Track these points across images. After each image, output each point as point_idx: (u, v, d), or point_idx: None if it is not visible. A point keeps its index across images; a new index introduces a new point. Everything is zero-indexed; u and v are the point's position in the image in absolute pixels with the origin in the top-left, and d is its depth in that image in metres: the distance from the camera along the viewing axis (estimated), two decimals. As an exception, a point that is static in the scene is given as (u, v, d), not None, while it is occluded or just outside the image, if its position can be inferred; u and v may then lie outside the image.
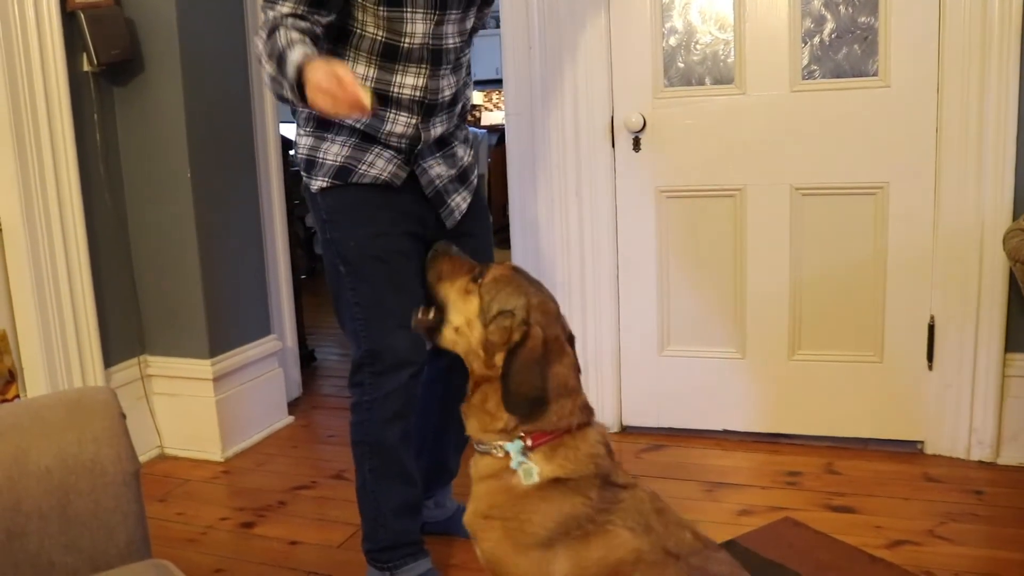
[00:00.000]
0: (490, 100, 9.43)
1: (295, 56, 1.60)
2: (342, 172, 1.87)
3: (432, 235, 1.93)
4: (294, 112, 1.93)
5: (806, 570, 2.02)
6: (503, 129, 3.24)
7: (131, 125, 2.79)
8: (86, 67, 2.65)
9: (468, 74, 2.03)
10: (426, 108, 1.87)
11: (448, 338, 1.47)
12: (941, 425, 2.60)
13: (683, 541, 1.30)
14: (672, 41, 2.68)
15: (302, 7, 1.70)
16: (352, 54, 1.82)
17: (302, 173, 1.96)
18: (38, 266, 2.51)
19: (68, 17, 2.56)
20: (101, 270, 2.73)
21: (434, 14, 1.80)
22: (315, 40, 1.70)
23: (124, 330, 2.85)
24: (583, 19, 2.70)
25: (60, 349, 2.57)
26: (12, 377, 1.98)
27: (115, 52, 2.65)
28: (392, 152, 1.88)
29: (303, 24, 1.70)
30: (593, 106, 2.74)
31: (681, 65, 2.69)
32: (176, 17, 2.66)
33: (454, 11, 1.84)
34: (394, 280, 1.90)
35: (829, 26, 2.54)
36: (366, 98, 1.47)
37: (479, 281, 1.44)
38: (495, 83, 9.52)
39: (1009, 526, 2.20)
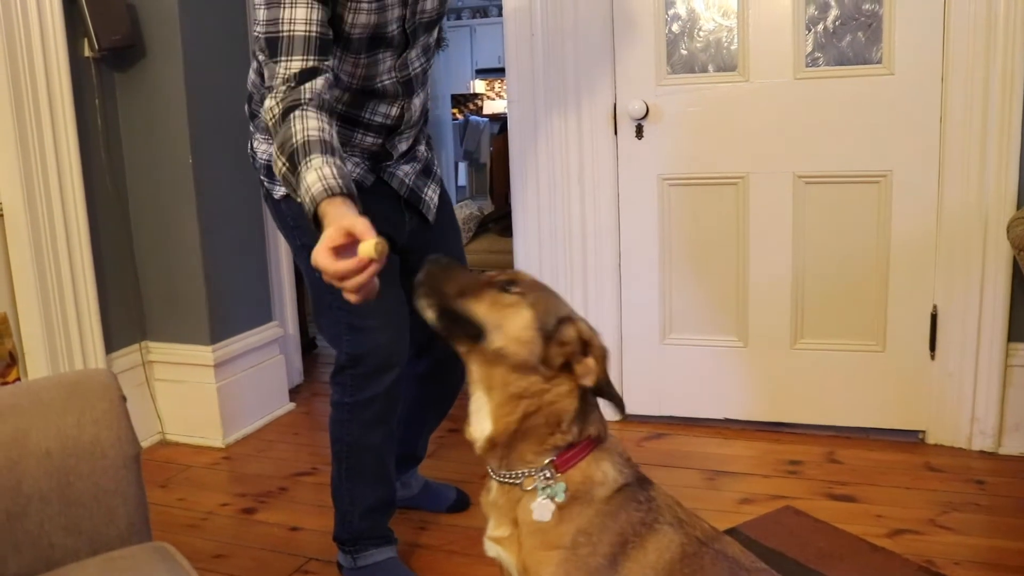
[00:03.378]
0: (492, 89, 9.40)
1: (311, 181, 1.40)
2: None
3: (401, 237, 1.94)
4: (252, 115, 1.92)
5: (807, 558, 2.02)
6: (505, 117, 3.23)
7: (132, 110, 2.78)
8: (87, 52, 2.64)
9: (436, 48, 2.01)
10: (394, 130, 1.88)
11: (487, 358, 1.26)
12: (943, 415, 2.60)
13: (704, 528, 1.29)
14: (675, 28, 2.67)
15: (313, 58, 1.56)
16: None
17: (262, 179, 1.92)
18: (39, 251, 2.51)
19: (69, 2, 2.55)
20: (102, 255, 2.73)
21: (402, 51, 1.79)
22: (330, 115, 1.56)
23: (125, 316, 2.85)
24: (586, 6, 2.68)
25: (61, 334, 2.57)
26: (13, 360, 1.98)
27: (116, 37, 2.64)
28: (358, 158, 1.87)
29: (318, 98, 1.54)
30: (595, 93, 2.73)
31: (684, 52, 2.67)
32: (177, 2, 2.66)
33: (420, 38, 1.82)
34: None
35: (833, 13, 2.52)
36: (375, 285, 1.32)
37: (515, 292, 1.29)
38: (497, 72, 9.52)
39: (1010, 516, 2.20)
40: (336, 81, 1.72)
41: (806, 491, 2.38)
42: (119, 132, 2.80)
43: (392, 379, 1.90)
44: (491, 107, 8.86)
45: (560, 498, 1.24)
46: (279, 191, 1.87)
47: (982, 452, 2.55)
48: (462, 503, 2.35)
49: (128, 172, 2.83)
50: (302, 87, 1.54)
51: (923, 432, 2.65)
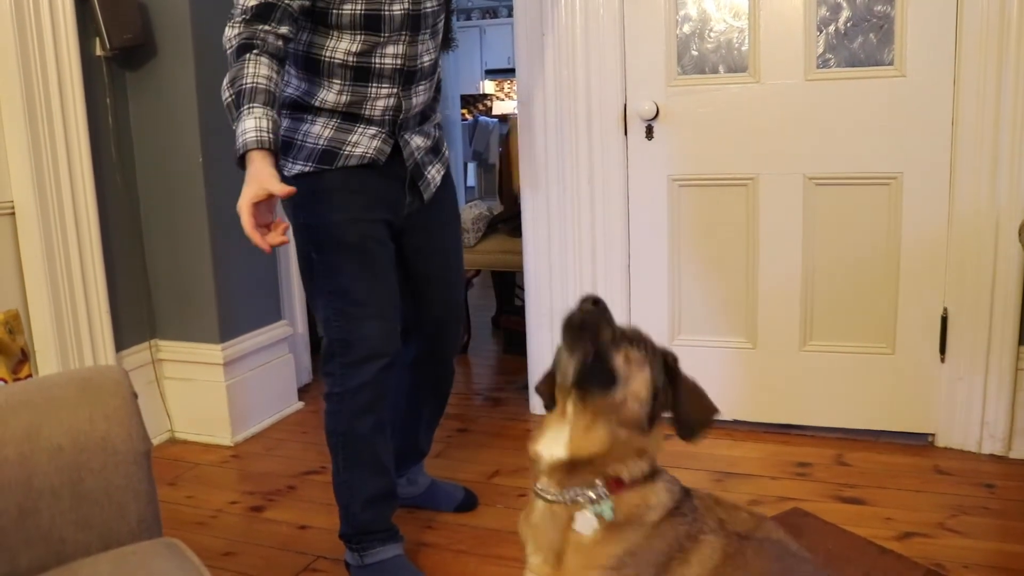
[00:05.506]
0: (502, 89, 9.41)
1: (248, 127, 1.59)
2: (327, 156, 1.85)
3: (398, 219, 1.94)
4: None
5: (815, 560, 2.01)
6: (515, 118, 3.23)
7: (143, 109, 2.79)
8: (99, 51, 2.65)
9: (445, 47, 2.02)
10: (407, 76, 1.87)
11: (598, 406, 1.24)
12: (952, 418, 2.59)
13: (744, 520, 1.29)
14: (686, 29, 2.67)
15: None
16: (335, 33, 1.79)
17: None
18: (50, 250, 2.52)
19: (81, 2, 2.56)
20: (113, 254, 2.74)
21: None
22: (280, 63, 1.69)
23: (135, 314, 2.86)
24: (597, 6, 2.68)
25: (72, 333, 2.58)
26: (25, 357, 1.99)
27: (127, 36, 2.65)
28: (376, 128, 1.87)
29: (273, 44, 1.67)
30: (606, 94, 2.73)
31: (695, 53, 2.67)
32: (188, 2, 2.67)
33: None
34: (369, 269, 1.89)
35: (845, 14, 2.51)
36: (264, 244, 1.55)
37: (641, 349, 1.29)
38: (507, 72, 9.52)
39: (1020, 520, 2.19)
40: (339, 18, 1.76)
41: (815, 493, 2.37)
42: (130, 131, 2.81)
43: (380, 367, 1.90)
44: (500, 108, 8.87)
45: (608, 516, 1.23)
46: (295, 168, 1.87)
47: (992, 456, 2.54)
48: (470, 503, 2.35)
49: (139, 171, 2.84)
50: (258, 27, 1.66)
51: (932, 435, 2.64)
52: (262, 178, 1.55)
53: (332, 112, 1.85)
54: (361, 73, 1.82)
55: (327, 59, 1.81)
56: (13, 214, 2.50)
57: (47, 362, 2.54)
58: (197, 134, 2.73)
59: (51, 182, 2.51)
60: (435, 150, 2.03)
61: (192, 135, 2.73)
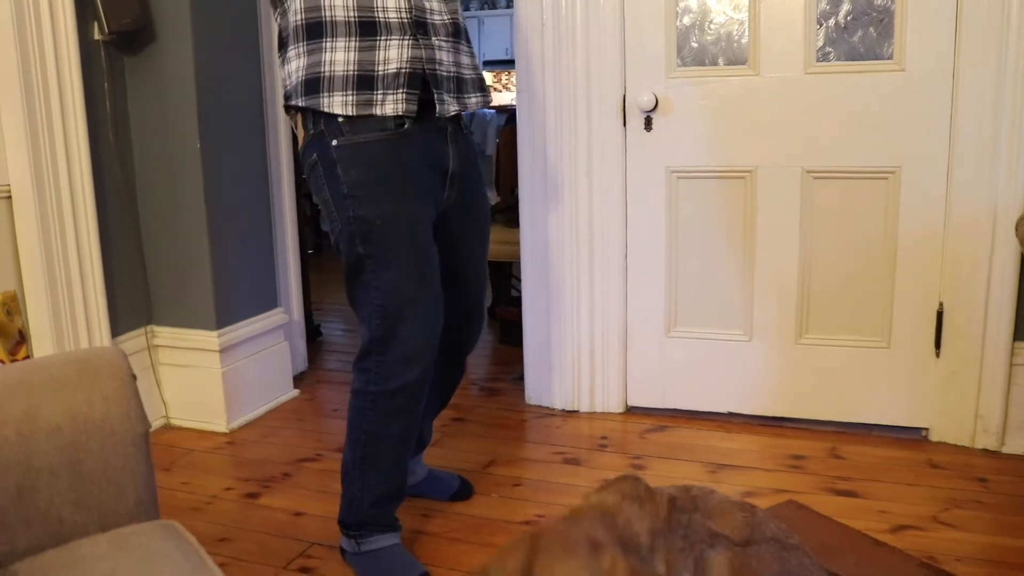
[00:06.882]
0: (499, 80, 9.39)
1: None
2: (364, 82, 1.75)
3: (437, 210, 1.90)
4: (282, 43, 1.85)
5: (808, 551, 2.02)
6: (513, 110, 3.23)
7: (141, 95, 2.78)
8: (97, 36, 2.64)
9: None
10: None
11: None
12: (947, 412, 2.60)
13: (737, 526, 1.26)
14: (686, 20, 2.66)
15: None
16: None
17: (299, 102, 1.79)
18: (47, 235, 2.51)
19: (80, -16, 2.55)
20: (109, 240, 2.73)
21: None
22: None
23: (131, 300, 2.85)
24: (598, -4, 2.68)
25: (68, 319, 2.57)
26: (22, 338, 1.98)
27: (126, 21, 2.64)
28: (398, 35, 1.75)
29: None
30: (605, 84, 2.72)
31: (695, 45, 2.67)
32: (188, -14, 2.66)
33: None
34: (422, 270, 1.83)
35: (845, 8, 2.52)
36: None
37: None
38: (505, 64, 9.51)
39: (1012, 514, 2.20)
40: None
41: (809, 486, 2.38)
42: (128, 116, 2.80)
43: (420, 372, 1.85)
44: (498, 99, 8.84)
45: None
46: (334, 103, 1.76)
47: (985, 450, 2.55)
48: (465, 492, 2.36)
49: (136, 156, 2.83)
50: None
51: (927, 429, 2.65)
52: None
53: (347, 29, 1.74)
54: None
55: None
56: (10, 198, 2.49)
57: (43, 349, 2.53)
58: (195, 119, 2.72)
59: (48, 167, 2.50)
60: (460, 86, 1.90)
61: (190, 120, 2.72)
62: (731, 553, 1.23)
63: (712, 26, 2.65)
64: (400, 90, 1.77)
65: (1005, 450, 2.54)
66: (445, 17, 1.84)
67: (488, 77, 9.61)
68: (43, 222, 2.50)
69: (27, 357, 2.40)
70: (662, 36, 2.67)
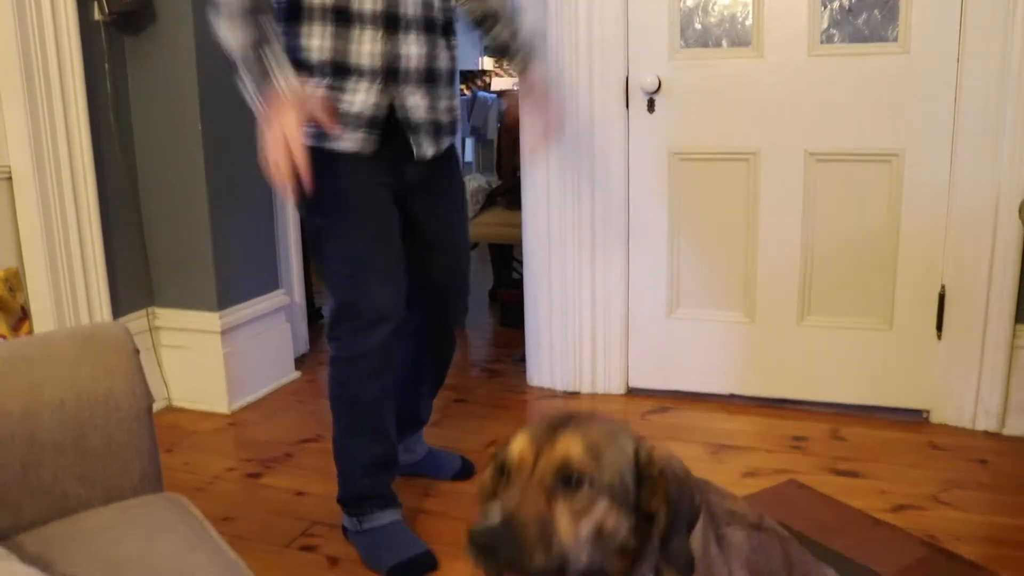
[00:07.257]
0: (500, 65, 9.35)
1: (287, 71, 1.64)
2: (338, 69, 1.79)
3: (406, 188, 1.91)
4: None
5: (809, 531, 2.03)
6: (514, 93, 3.22)
7: (142, 75, 2.77)
8: (97, 16, 2.63)
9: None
10: (388, 20, 1.79)
11: None
12: (948, 394, 2.60)
13: (741, 507, 1.29)
14: (689, 2, 2.65)
15: None
16: None
17: None
18: (48, 216, 2.51)
19: (80, -37, 2.54)
20: (110, 221, 2.73)
21: None
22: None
23: (132, 281, 2.85)
24: (600, -23, 2.66)
25: (69, 300, 2.57)
26: (25, 314, 1.98)
27: (126, 1, 2.62)
28: (368, 80, 1.80)
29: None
30: (608, 66, 2.71)
31: (698, 26, 2.66)
32: (189, -34, 2.64)
33: None
34: (377, 233, 1.88)
35: (850, -11, 2.51)
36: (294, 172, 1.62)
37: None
38: (506, 49, 9.44)
39: (1012, 494, 2.21)
40: None
41: (810, 466, 2.39)
42: (128, 96, 2.79)
43: (387, 332, 1.89)
44: (499, 83, 8.81)
45: None
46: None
47: (986, 432, 2.56)
48: (467, 471, 2.37)
49: (137, 137, 2.82)
50: None
51: (927, 411, 2.65)
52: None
53: (324, 15, 1.77)
54: (342, 16, 1.77)
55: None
56: (10, 179, 2.48)
57: (43, 329, 2.53)
58: (196, 100, 2.71)
59: (49, 147, 2.49)
60: (443, 122, 1.95)
61: (191, 101, 2.72)
62: (747, 532, 1.24)
63: (715, 8, 2.64)
64: (360, 131, 1.82)
65: (1006, 432, 2.55)
66: (421, 63, 1.86)
67: (489, 62, 9.56)
68: (44, 204, 2.49)
69: (30, 334, 2.40)
70: (665, 18, 2.65)
